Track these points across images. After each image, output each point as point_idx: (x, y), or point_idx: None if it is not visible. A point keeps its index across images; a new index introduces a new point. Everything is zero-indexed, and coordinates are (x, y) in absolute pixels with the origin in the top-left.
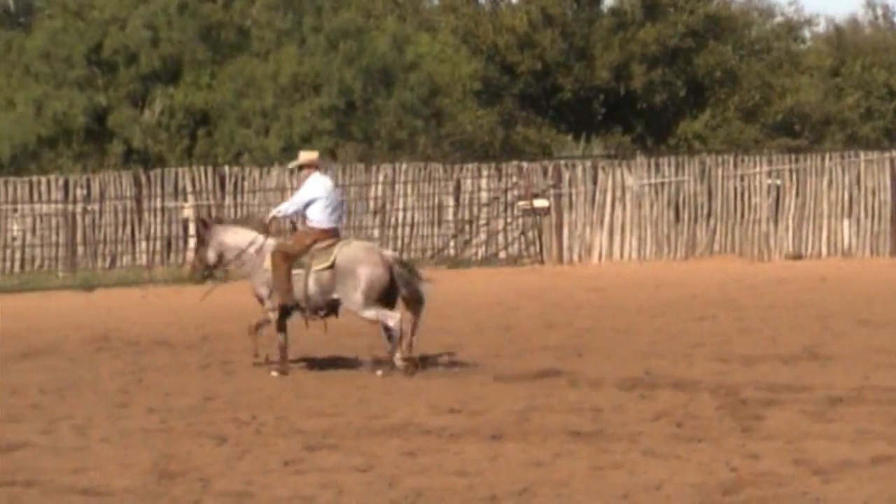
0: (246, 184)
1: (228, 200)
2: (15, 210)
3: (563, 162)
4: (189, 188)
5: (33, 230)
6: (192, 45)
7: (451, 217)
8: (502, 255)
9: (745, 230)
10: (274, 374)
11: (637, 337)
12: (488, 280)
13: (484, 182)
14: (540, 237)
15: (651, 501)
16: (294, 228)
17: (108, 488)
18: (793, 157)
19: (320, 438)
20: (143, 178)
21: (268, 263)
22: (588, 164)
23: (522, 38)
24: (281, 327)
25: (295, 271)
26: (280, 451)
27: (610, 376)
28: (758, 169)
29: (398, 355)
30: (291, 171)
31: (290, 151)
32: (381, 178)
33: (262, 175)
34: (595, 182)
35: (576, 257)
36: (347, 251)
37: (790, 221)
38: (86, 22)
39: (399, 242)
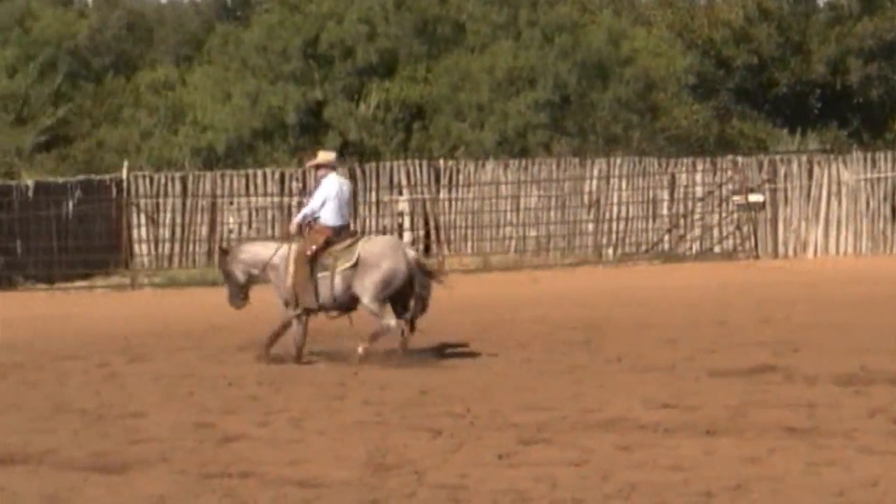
0: (461, 177)
1: (443, 194)
2: (231, 203)
3: (778, 157)
4: (404, 182)
5: (249, 223)
6: (408, 39)
7: (665, 211)
8: (717, 249)
9: None
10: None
11: (853, 332)
12: (703, 275)
13: (699, 176)
14: (755, 232)
15: (867, 498)
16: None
17: (323, 480)
18: None
19: (535, 432)
20: (359, 172)
21: (292, 267)
22: (803, 158)
23: (738, 33)
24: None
25: (320, 274)
26: (494, 445)
27: (825, 372)
28: None
29: (362, 346)
30: (506, 166)
31: (505, 145)
32: (595, 173)
33: (477, 169)
34: (811, 177)
35: (791, 252)
36: (371, 246)
37: None
38: (303, 16)
39: (613, 237)
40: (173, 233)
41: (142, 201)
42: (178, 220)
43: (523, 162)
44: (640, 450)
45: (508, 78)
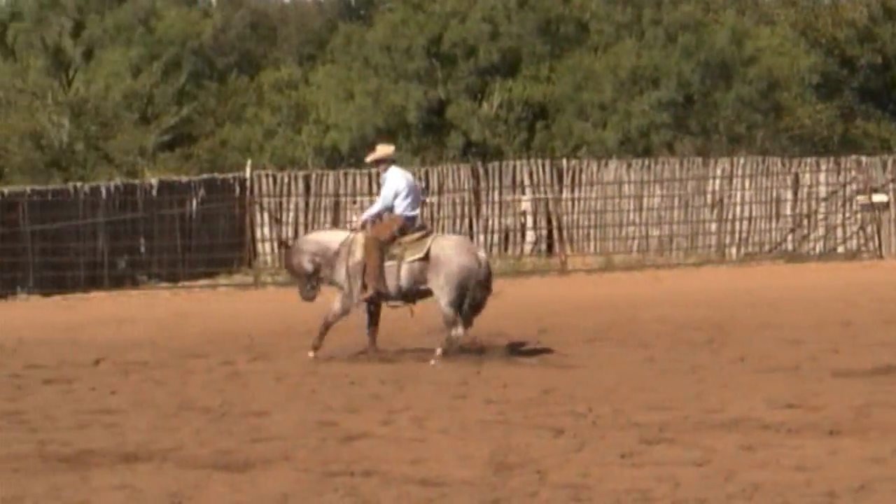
0: (584, 177)
1: (566, 194)
2: (354, 202)
3: None
4: (527, 181)
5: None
6: (530, 38)
7: (788, 211)
8: (840, 249)
9: None
10: (311, 354)
11: None
12: (826, 275)
13: (822, 176)
14: (879, 232)
15: None
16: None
17: (446, 479)
18: None
19: (657, 432)
20: (482, 171)
21: (358, 255)
22: None
23: (862, 32)
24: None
25: (387, 263)
26: (617, 444)
27: None
28: None
29: (435, 362)
30: (629, 165)
31: (627, 145)
32: (718, 173)
33: (600, 168)
34: None
35: None
36: (444, 243)
37: None
38: (426, 14)
39: (736, 237)
40: (296, 231)
41: (265, 200)
42: (301, 218)
43: (646, 161)
44: (764, 450)
45: (631, 77)
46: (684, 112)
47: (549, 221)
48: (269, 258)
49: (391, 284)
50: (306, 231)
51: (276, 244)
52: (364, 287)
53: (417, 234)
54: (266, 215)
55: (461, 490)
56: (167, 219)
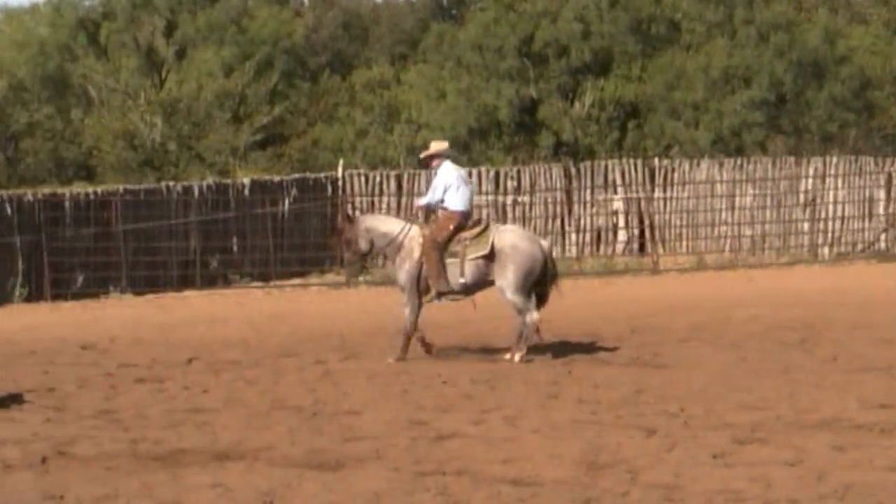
0: (675, 176)
1: (658, 193)
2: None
3: None
4: (618, 181)
5: None
6: (622, 37)
7: (881, 211)
8: None
9: None
10: (390, 360)
11: None
12: None
13: None
14: None
15: None
16: (431, 217)
17: (537, 479)
18: None
19: (749, 432)
20: (573, 170)
21: (417, 254)
22: None
23: None
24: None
25: (449, 260)
26: (709, 444)
27: None
28: None
29: (518, 353)
30: (721, 165)
31: (720, 144)
32: (811, 172)
33: (692, 167)
34: None
35: None
36: (506, 236)
37: None
38: (518, 14)
39: (829, 236)
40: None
41: (357, 199)
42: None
43: (738, 161)
44: (856, 450)
45: (724, 76)
46: (777, 111)
47: (641, 221)
48: None
49: (455, 281)
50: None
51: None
52: (427, 289)
53: (477, 229)
54: (358, 215)
55: (553, 490)
56: (259, 218)
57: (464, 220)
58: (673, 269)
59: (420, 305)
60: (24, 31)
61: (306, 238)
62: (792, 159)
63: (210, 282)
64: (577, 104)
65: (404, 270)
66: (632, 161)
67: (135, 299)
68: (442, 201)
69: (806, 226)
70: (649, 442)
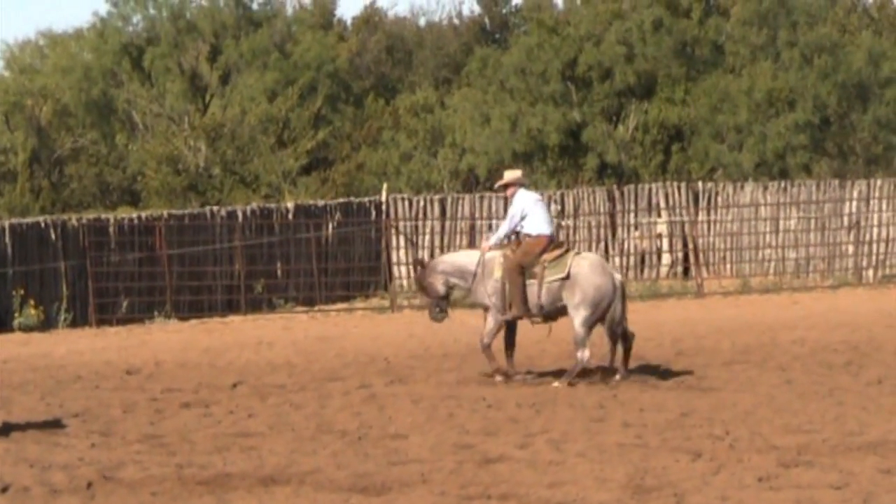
0: (720, 199)
1: (702, 216)
2: (489, 226)
3: None
4: (662, 203)
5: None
6: (666, 60)
7: None
8: None
9: None
10: (499, 378)
11: None
12: None
13: None
14: None
15: None
16: (517, 241)
17: (583, 502)
18: None
19: (795, 455)
20: (617, 194)
21: (497, 274)
22: None
23: None
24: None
25: (529, 282)
26: (755, 467)
27: None
28: None
29: (562, 381)
30: (765, 188)
31: (764, 167)
32: (855, 195)
33: (736, 190)
34: None
35: None
36: (583, 262)
37: None
38: (561, 38)
39: (874, 259)
40: (432, 255)
41: (401, 224)
42: (437, 242)
43: (783, 183)
44: None
45: (768, 99)
46: (821, 134)
47: (685, 244)
48: (405, 282)
49: (533, 303)
50: (442, 254)
51: (412, 267)
52: (508, 308)
53: (557, 252)
54: (402, 239)
55: None
56: (303, 242)
57: (549, 244)
58: (717, 292)
59: (502, 324)
60: (69, 56)
61: (350, 262)
62: (836, 182)
63: (255, 306)
64: (620, 127)
65: (486, 288)
66: (676, 184)
67: (180, 324)
68: (522, 227)
69: (850, 248)
70: (695, 465)
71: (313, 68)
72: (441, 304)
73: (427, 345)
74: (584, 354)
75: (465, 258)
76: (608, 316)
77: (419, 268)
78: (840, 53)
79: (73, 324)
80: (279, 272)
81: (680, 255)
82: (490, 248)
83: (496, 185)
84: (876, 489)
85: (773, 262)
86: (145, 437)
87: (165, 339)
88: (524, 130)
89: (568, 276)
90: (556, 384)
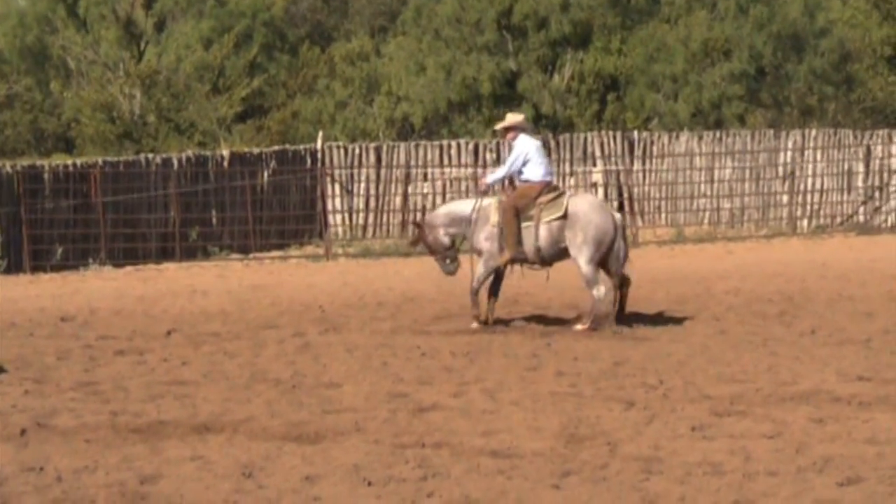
0: (655, 149)
1: (637, 166)
2: (425, 174)
3: None
4: (598, 153)
5: (443, 193)
6: (602, 10)
7: (860, 183)
8: None
9: None
10: (474, 325)
11: None
12: None
13: (895, 148)
14: None
15: None
16: (511, 186)
17: (517, 451)
18: None
19: (728, 404)
20: (553, 143)
21: (494, 219)
22: None
23: None
24: (495, 282)
25: (524, 224)
26: (688, 417)
27: None
28: None
29: (581, 325)
30: (700, 137)
31: (699, 117)
32: (790, 145)
33: (671, 140)
34: None
35: None
36: (580, 202)
37: None
38: None
39: (808, 209)
40: (367, 203)
41: (336, 172)
42: (373, 190)
43: (718, 133)
44: (835, 423)
45: (703, 49)
46: (756, 84)
47: (620, 193)
48: (340, 230)
49: (529, 247)
50: (377, 203)
51: (347, 216)
52: (501, 250)
53: (552, 195)
54: (337, 187)
55: (532, 462)
56: (238, 190)
57: (546, 191)
58: (652, 241)
59: (494, 270)
60: (3, 2)
61: (286, 210)
62: (771, 132)
63: (189, 254)
64: (556, 77)
65: (482, 234)
66: (611, 133)
67: (114, 271)
68: (521, 173)
69: (785, 198)
70: (629, 414)
71: (249, 16)
72: (450, 255)
73: (361, 293)
74: (599, 292)
75: (459, 206)
76: (611, 255)
77: (417, 227)
78: (775, 4)
79: (8, 271)
80: (214, 220)
81: (615, 204)
82: (487, 185)
83: (496, 128)
84: (808, 439)
85: (708, 212)
86: (79, 385)
87: (100, 286)
88: (459, 79)
89: (566, 216)
90: (577, 327)
